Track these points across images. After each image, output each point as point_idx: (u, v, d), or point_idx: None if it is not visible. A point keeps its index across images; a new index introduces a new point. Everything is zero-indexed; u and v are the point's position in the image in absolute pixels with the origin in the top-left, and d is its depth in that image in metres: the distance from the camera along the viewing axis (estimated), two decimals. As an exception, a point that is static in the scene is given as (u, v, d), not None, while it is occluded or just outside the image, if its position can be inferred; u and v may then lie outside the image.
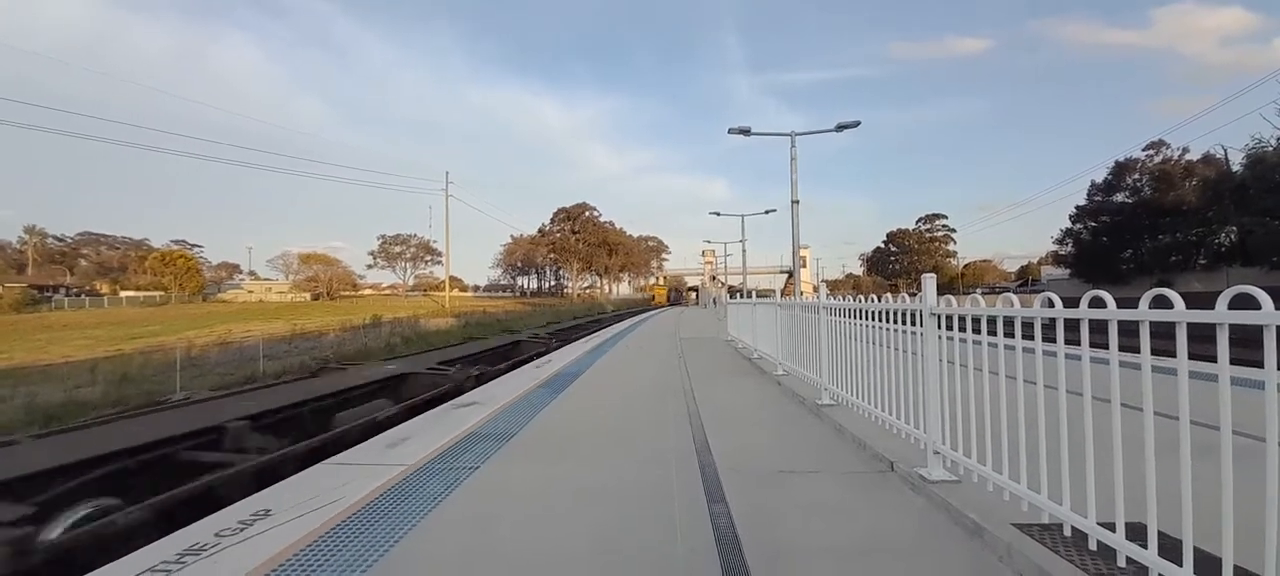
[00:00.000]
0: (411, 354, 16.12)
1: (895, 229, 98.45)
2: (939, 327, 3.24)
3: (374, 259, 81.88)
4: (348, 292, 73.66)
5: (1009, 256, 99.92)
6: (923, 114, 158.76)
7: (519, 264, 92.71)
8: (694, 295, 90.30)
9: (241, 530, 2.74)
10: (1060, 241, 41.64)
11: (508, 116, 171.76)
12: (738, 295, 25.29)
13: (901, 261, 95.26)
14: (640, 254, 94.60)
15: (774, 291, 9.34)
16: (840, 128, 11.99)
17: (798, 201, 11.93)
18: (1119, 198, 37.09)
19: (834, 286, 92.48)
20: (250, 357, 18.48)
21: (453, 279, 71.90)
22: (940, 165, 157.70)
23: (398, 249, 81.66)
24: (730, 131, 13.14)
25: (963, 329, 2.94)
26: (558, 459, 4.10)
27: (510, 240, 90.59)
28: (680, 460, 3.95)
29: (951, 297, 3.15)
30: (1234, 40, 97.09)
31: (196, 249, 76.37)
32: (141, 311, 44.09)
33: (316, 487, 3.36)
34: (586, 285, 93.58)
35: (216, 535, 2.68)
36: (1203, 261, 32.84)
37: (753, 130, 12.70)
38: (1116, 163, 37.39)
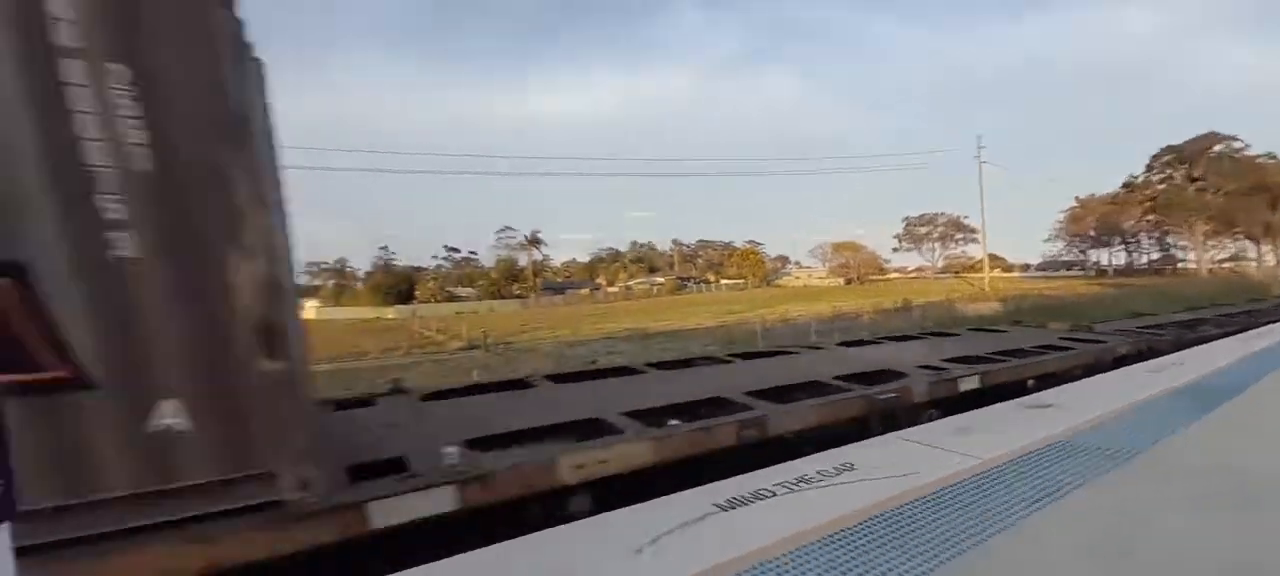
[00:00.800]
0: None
1: None
2: None
3: (899, 242, 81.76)
4: (875, 276, 76.71)
5: None
6: None
7: (1092, 233, 70.80)
8: None
9: (836, 474, 2.95)
10: None
11: (1054, 45, 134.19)
12: None
13: None
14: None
15: None
16: None
17: None
18: None
19: None
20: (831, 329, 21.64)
21: (992, 257, 62.66)
22: None
23: (924, 229, 78.42)
24: None
25: None
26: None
27: (1075, 203, 70.64)
28: None
29: None
30: None
31: (760, 246, 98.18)
32: (732, 294, 60.54)
33: (889, 456, 3.29)
34: (1225, 257, 61.87)
35: (818, 472, 2.98)
36: None
37: None
38: None
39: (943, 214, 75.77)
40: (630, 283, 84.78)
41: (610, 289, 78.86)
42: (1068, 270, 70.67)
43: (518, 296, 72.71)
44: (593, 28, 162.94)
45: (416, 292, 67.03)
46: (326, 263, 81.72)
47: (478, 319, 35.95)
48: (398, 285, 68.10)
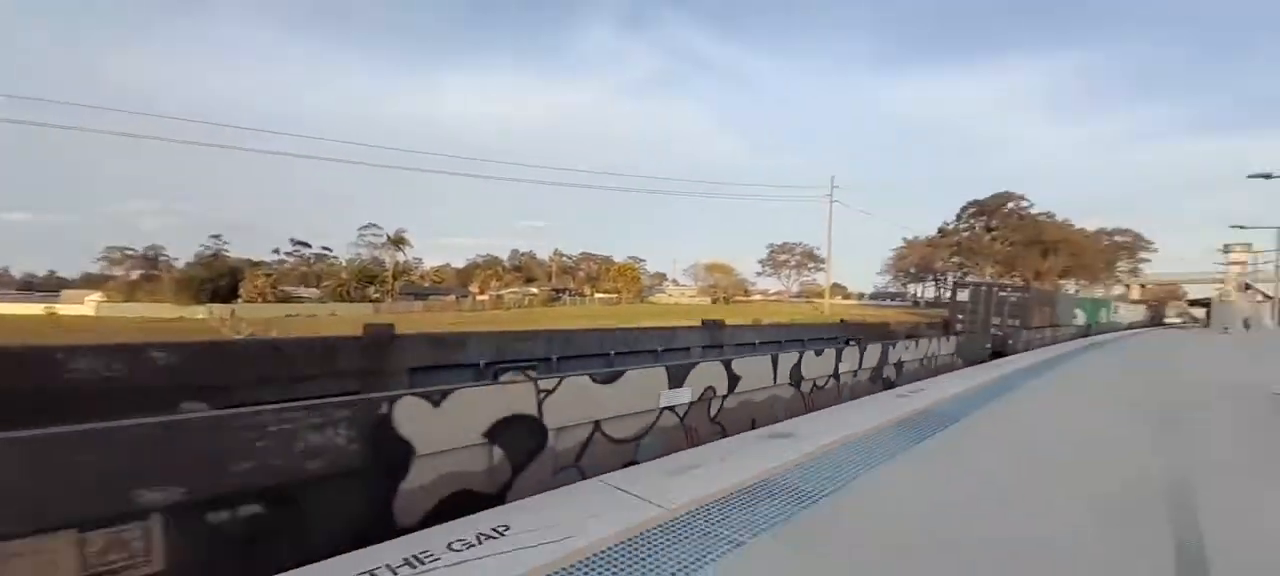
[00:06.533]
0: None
1: None
2: None
3: (763, 266, 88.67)
4: (740, 297, 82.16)
5: None
6: None
7: (912, 270, 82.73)
8: (1204, 312, 58.40)
9: (478, 543, 2.48)
10: None
11: (910, 109, 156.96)
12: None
13: None
14: (1096, 253, 69.50)
15: None
16: None
17: None
18: None
19: None
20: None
21: (836, 286, 70.24)
22: None
23: (783, 257, 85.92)
24: None
25: None
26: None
27: (902, 243, 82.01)
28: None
29: None
30: None
31: (641, 262, 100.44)
32: (602, 308, 60.92)
33: (565, 510, 2.94)
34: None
35: (451, 546, 2.49)
36: None
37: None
38: None
39: (800, 244, 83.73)
40: (502, 292, 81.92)
41: (481, 297, 75.36)
42: (892, 300, 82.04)
43: (373, 300, 66.59)
44: (501, 28, 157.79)
45: (241, 290, 58.11)
46: (131, 249, 68.35)
47: (311, 322, 31.82)
48: (216, 279, 58.46)
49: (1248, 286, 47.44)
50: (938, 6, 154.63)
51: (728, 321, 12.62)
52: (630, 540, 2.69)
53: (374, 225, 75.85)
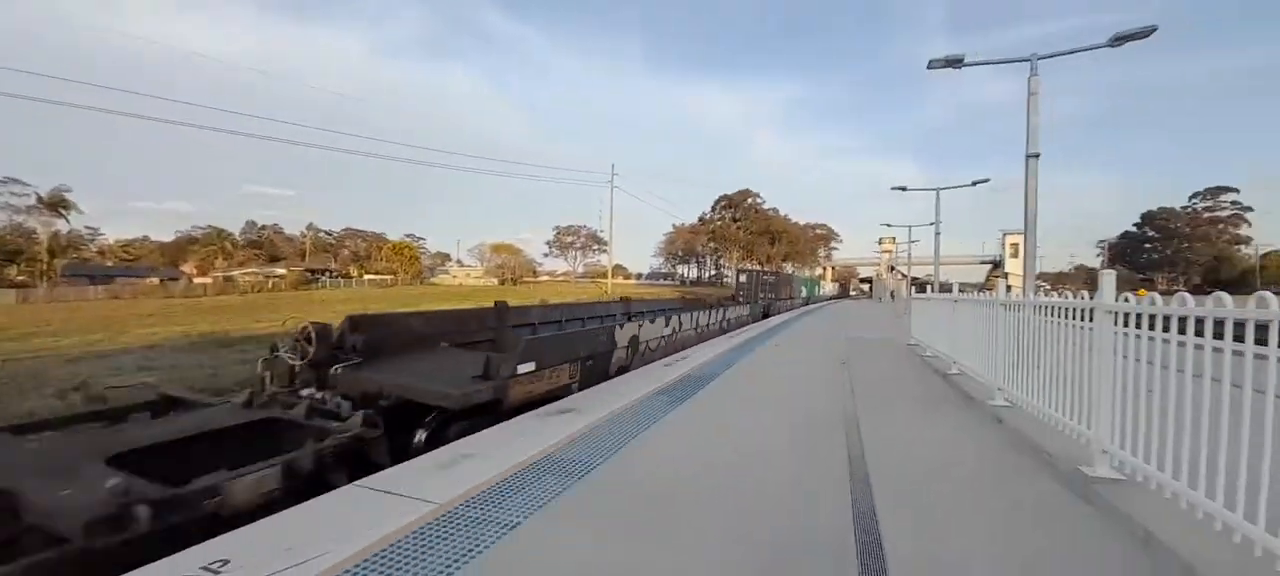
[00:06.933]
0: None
1: (1155, 209, 77.05)
2: (1117, 326, 3.06)
3: (550, 248, 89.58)
4: (528, 278, 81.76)
5: (1350, 244, 71.12)
6: (1197, 63, 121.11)
7: (680, 253, 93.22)
8: (867, 287, 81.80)
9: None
10: None
11: (677, 109, 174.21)
12: (929, 288, 21.15)
13: (1162, 250, 74.23)
14: (806, 242, 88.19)
15: (974, 287, 6.80)
16: (1119, 40, 8.07)
17: (1037, 155, 8.34)
18: None
19: (1059, 281, 75.38)
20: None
21: (617, 267, 75.00)
22: (1229, 127, 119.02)
23: (570, 239, 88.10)
24: (931, 64, 9.97)
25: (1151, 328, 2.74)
26: (628, 542, 2.73)
27: (672, 229, 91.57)
28: None
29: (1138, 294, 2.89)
30: None
31: (420, 241, 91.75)
32: (375, 291, 53.97)
33: (307, 525, 2.51)
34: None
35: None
36: None
37: (965, 60, 9.48)
38: None
39: (585, 227, 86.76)
40: (234, 272, 66.47)
41: (202, 279, 59.64)
42: (665, 280, 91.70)
43: (17, 284, 47.73)
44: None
45: None
46: None
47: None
48: None
49: (892, 268, 66.04)
50: (691, 28, 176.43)
51: (513, 304, 12.62)
52: (388, 549, 2.44)
53: (15, 180, 54.04)
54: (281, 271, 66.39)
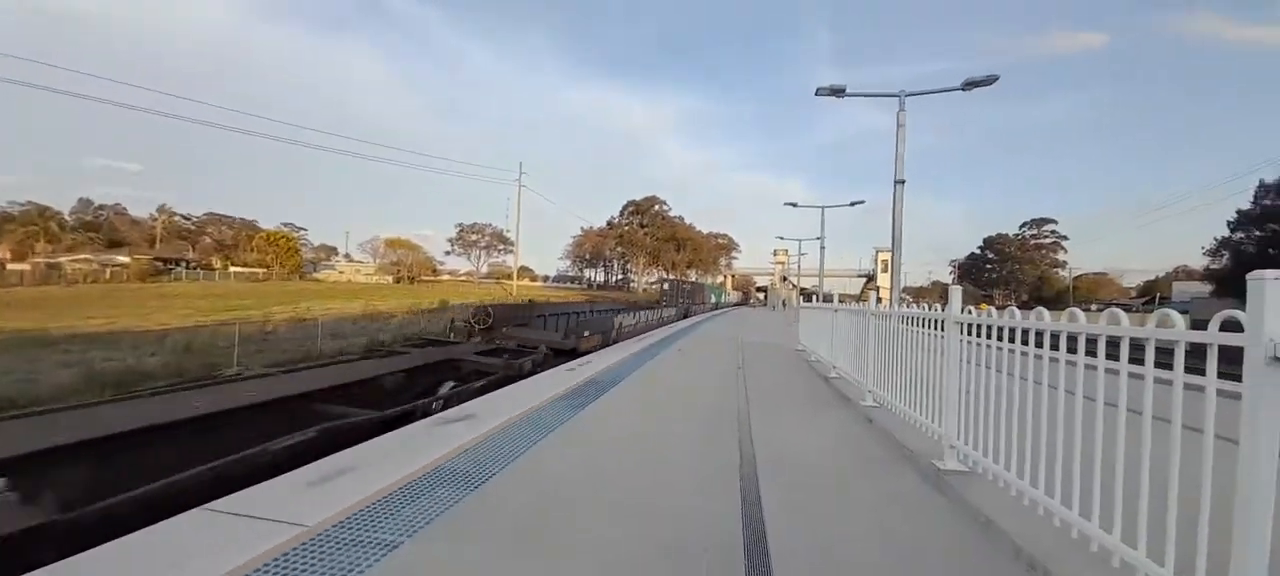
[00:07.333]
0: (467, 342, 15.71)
1: (994, 234, 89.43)
2: (962, 335, 3.54)
3: (452, 246, 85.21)
4: (427, 277, 77.03)
5: (1130, 271, 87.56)
6: (1031, 112, 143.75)
7: (587, 256, 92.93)
8: (763, 296, 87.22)
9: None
10: (1213, 253, 35.08)
11: (584, 111, 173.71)
12: (815, 298, 23.01)
13: (999, 270, 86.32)
14: (709, 251, 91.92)
15: (852, 298, 7.57)
16: (970, 86, 9.48)
17: (903, 181, 9.56)
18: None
19: (919, 294, 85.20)
20: (328, 333, 18.92)
21: (523, 268, 73.13)
22: (1051, 167, 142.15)
23: (474, 237, 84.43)
24: (818, 92, 10.83)
25: (989, 337, 3.21)
26: (533, 541, 2.65)
27: (580, 232, 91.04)
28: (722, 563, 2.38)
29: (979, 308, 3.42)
30: None
31: (301, 231, 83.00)
32: (243, 286, 47.96)
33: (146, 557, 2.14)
34: (653, 280, 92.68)
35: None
36: None
37: (847, 91, 10.56)
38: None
39: (490, 225, 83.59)
40: (62, 259, 56.00)
41: (18, 266, 49.58)
42: (572, 283, 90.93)
43: None
44: None
45: None
46: None
47: None
48: None
49: (785, 278, 70.97)
50: (601, 31, 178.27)
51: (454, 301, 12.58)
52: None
53: None
54: (124, 259, 56.92)
